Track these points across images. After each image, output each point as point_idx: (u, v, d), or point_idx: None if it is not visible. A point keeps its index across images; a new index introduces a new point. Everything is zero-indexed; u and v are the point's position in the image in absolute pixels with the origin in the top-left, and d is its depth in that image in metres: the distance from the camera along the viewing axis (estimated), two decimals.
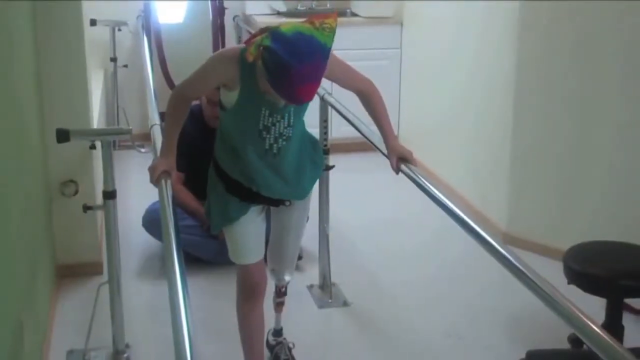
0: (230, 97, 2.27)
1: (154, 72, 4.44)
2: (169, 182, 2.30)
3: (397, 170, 2.45)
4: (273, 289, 2.94)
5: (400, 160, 2.44)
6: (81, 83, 3.63)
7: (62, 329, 3.26)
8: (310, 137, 2.55)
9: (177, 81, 2.59)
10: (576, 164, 3.91)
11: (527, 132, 4.10)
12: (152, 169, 2.33)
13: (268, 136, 2.30)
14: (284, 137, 2.32)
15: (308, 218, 2.80)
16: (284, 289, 2.90)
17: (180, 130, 2.39)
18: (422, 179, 2.36)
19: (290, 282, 2.89)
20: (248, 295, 2.61)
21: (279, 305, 2.97)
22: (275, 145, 2.32)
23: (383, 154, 2.55)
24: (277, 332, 3.05)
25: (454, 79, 4.92)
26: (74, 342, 3.10)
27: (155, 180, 2.31)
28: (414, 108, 5.70)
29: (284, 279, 2.82)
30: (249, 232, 2.50)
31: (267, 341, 2.98)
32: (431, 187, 2.32)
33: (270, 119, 2.27)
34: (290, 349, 3.01)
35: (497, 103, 4.31)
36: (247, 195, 2.42)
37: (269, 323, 2.97)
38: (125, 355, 3.05)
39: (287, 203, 2.51)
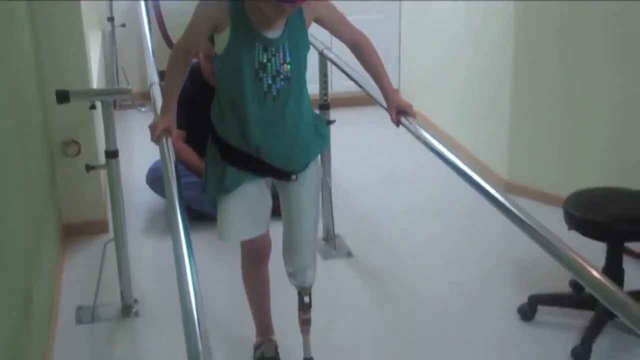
0: (222, 41, 2.24)
1: (152, 30, 4.42)
2: (169, 140, 2.31)
3: (397, 123, 2.45)
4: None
5: (400, 113, 2.43)
6: (79, 43, 3.61)
7: (71, 286, 3.31)
8: (314, 112, 2.48)
9: (175, 39, 2.59)
10: (577, 111, 3.91)
11: (527, 80, 4.09)
12: (152, 128, 2.34)
13: (265, 75, 2.24)
14: (282, 77, 2.27)
15: None
16: (307, 299, 2.59)
17: (180, 88, 2.38)
18: (422, 132, 2.36)
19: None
20: (252, 260, 2.61)
21: (305, 324, 2.62)
22: (273, 86, 2.26)
23: (383, 107, 2.55)
24: None
25: (454, 29, 4.89)
26: (82, 299, 3.15)
27: (156, 139, 2.32)
28: (414, 61, 5.68)
29: (305, 280, 2.57)
30: (245, 208, 2.41)
31: None
32: (431, 138, 2.32)
33: (265, 54, 2.23)
34: None
35: (498, 51, 4.29)
36: (246, 162, 2.36)
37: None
38: (133, 310, 3.11)
39: (293, 177, 2.42)
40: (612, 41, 3.70)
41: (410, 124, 2.41)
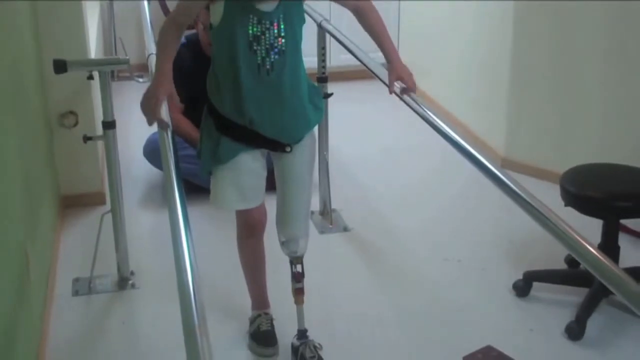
0: (217, 12, 2.23)
1: (150, 1, 4.39)
2: (166, 111, 2.28)
3: (391, 90, 2.43)
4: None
5: (398, 79, 2.41)
6: (77, 13, 3.59)
7: (68, 258, 3.32)
8: (311, 82, 2.47)
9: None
10: (575, 87, 3.90)
11: (525, 57, 4.07)
12: (149, 100, 2.29)
13: (259, 48, 2.24)
14: (276, 50, 2.26)
15: None
16: (300, 268, 2.61)
17: (172, 61, 2.34)
18: (421, 106, 2.35)
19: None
20: (248, 232, 2.61)
21: (298, 293, 2.62)
22: (267, 59, 2.25)
23: (382, 81, 2.54)
24: (302, 334, 2.67)
25: (454, 4, 4.85)
26: (79, 271, 3.16)
27: (153, 114, 2.29)
28: (413, 36, 5.64)
29: (297, 249, 2.58)
30: (239, 178, 2.41)
31: (292, 343, 2.68)
32: (429, 113, 2.31)
33: (259, 27, 2.22)
34: (316, 348, 2.65)
35: (497, 27, 4.27)
36: (240, 134, 2.35)
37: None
38: (130, 282, 3.12)
39: (288, 149, 2.41)
40: (609, 18, 3.67)
41: (410, 98, 2.40)
